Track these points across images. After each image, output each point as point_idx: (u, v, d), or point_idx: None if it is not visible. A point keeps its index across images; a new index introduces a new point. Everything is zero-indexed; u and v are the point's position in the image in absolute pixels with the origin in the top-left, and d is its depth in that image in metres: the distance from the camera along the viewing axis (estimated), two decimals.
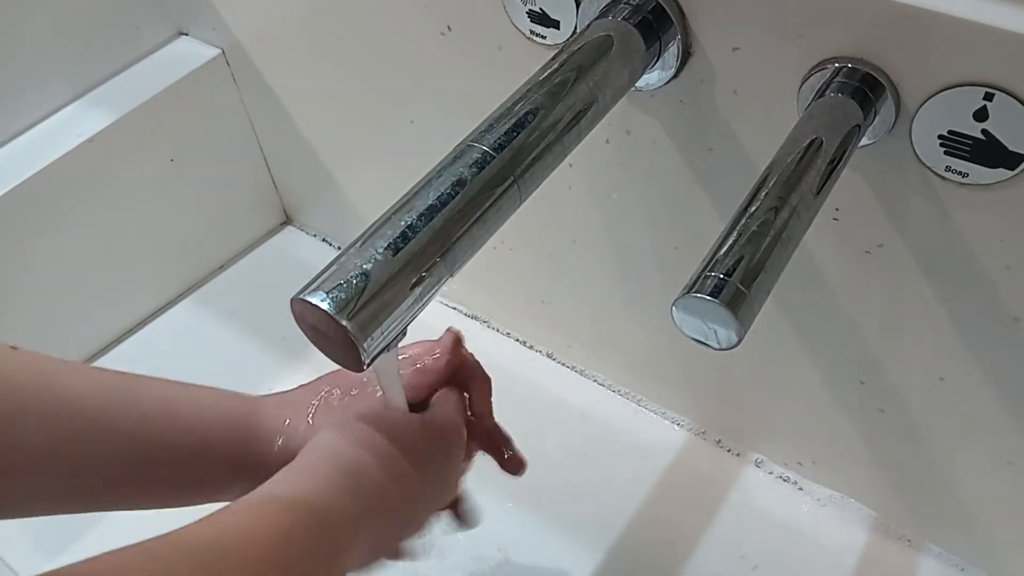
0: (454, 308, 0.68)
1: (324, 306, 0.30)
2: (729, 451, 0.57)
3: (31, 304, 0.61)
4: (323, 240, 0.75)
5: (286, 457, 0.37)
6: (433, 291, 0.33)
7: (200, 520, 0.29)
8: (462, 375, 0.42)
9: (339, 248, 0.74)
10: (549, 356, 0.64)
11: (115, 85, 0.63)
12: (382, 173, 0.65)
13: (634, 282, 0.54)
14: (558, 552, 0.54)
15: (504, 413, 0.61)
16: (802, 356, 0.48)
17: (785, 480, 0.55)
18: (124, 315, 0.68)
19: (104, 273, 0.65)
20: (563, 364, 0.63)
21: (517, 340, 0.65)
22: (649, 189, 0.47)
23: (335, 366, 0.32)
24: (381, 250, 0.31)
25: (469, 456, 0.44)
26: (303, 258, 0.74)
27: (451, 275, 0.34)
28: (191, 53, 0.65)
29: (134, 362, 0.66)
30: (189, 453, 0.37)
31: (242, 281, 0.72)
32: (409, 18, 0.51)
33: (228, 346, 0.67)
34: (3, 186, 0.57)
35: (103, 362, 0.67)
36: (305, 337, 0.31)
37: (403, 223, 0.32)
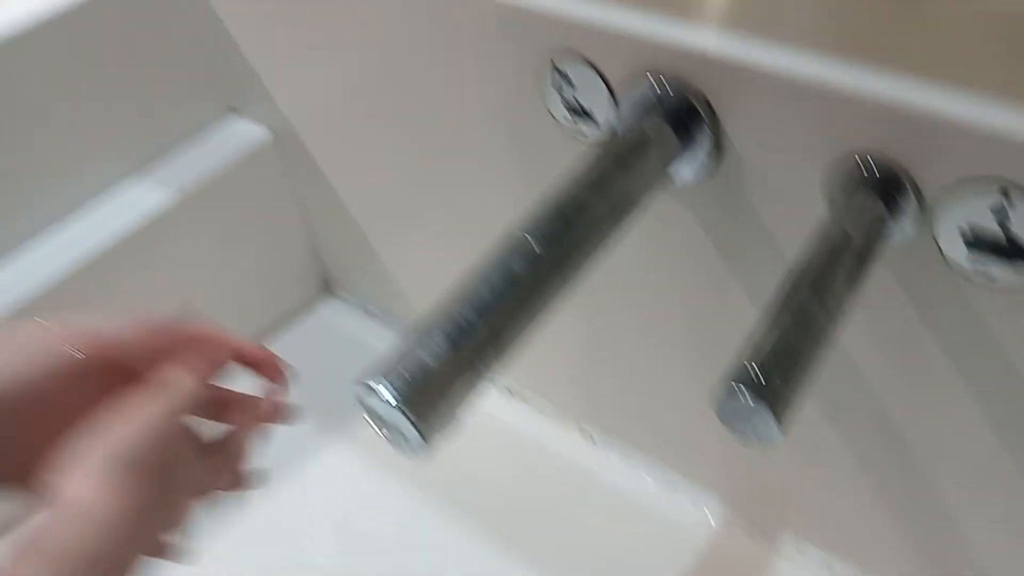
0: (493, 385, 0.69)
1: (387, 393, 0.32)
2: (762, 533, 0.58)
3: None
4: (363, 309, 0.78)
5: None
6: (485, 378, 0.35)
7: None
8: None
9: (378, 317, 0.76)
10: (582, 431, 0.65)
11: (168, 162, 0.66)
12: (422, 247, 0.68)
13: (667, 363, 0.55)
14: None
15: (536, 489, 0.62)
16: (835, 444, 0.49)
17: (819, 564, 0.56)
18: None
19: None
20: (596, 441, 0.65)
21: (550, 415, 0.67)
22: (681, 275, 0.49)
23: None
24: (440, 342, 0.34)
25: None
26: (343, 327, 0.77)
27: (501, 363, 0.36)
28: (241, 131, 0.68)
29: None
30: None
31: (285, 350, 0.74)
32: (455, 103, 0.54)
33: None
34: (62, 259, 0.59)
35: None
36: (351, 408, 0.31)
37: (459, 316, 0.34)
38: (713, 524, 0.58)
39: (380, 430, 0.34)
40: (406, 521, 0.62)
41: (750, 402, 0.30)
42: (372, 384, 0.32)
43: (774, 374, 0.31)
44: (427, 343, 0.34)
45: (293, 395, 0.70)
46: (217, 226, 0.68)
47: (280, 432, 0.67)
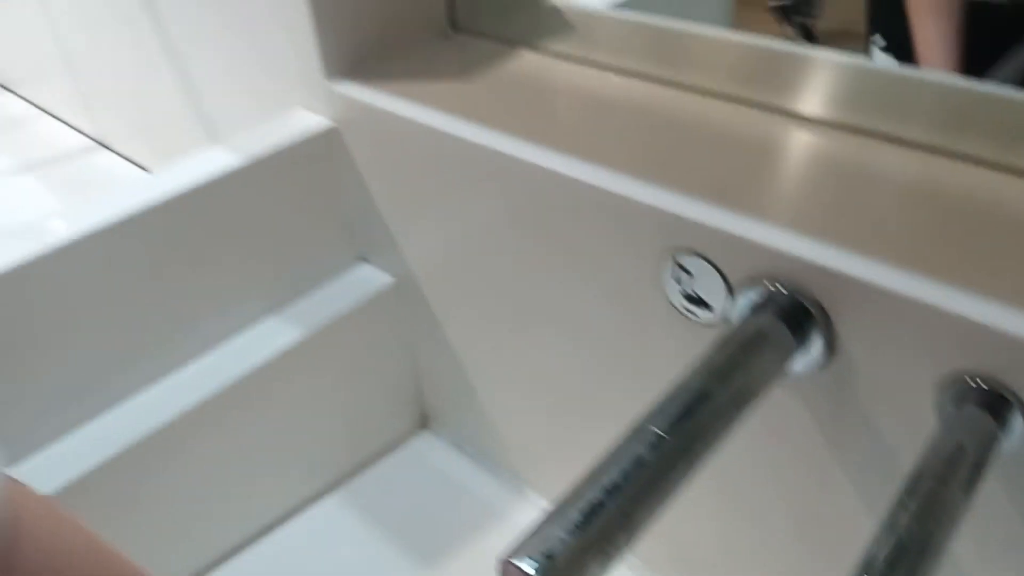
0: None
1: (530, 571, 0.35)
2: None
3: (207, 485, 0.68)
4: (456, 447, 0.81)
5: None
6: (617, 555, 0.38)
7: None
8: None
9: (470, 455, 0.80)
10: None
11: (302, 303, 0.73)
12: (518, 398, 0.72)
13: (766, 542, 0.57)
14: None
15: None
16: None
17: None
18: (276, 506, 0.75)
19: (263, 465, 0.72)
20: None
21: (642, 571, 0.68)
22: (787, 459, 0.52)
23: None
24: (575, 521, 0.37)
25: None
26: (436, 463, 0.80)
27: (630, 542, 0.39)
28: (367, 277, 0.75)
29: (271, 559, 0.72)
30: None
31: (381, 482, 0.79)
32: (570, 278, 0.59)
33: (363, 548, 0.72)
34: (203, 389, 0.66)
35: (251, 552, 0.72)
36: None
37: (592, 499, 0.38)
38: None
39: None
40: None
41: None
42: (515, 560, 0.36)
43: None
44: (563, 522, 0.37)
45: (387, 524, 0.74)
46: (337, 361, 0.73)
47: (371, 563, 0.71)
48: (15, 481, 0.34)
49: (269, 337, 0.70)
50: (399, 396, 0.81)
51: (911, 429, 0.43)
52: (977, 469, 0.39)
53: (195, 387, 0.66)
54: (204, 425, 0.66)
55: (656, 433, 0.40)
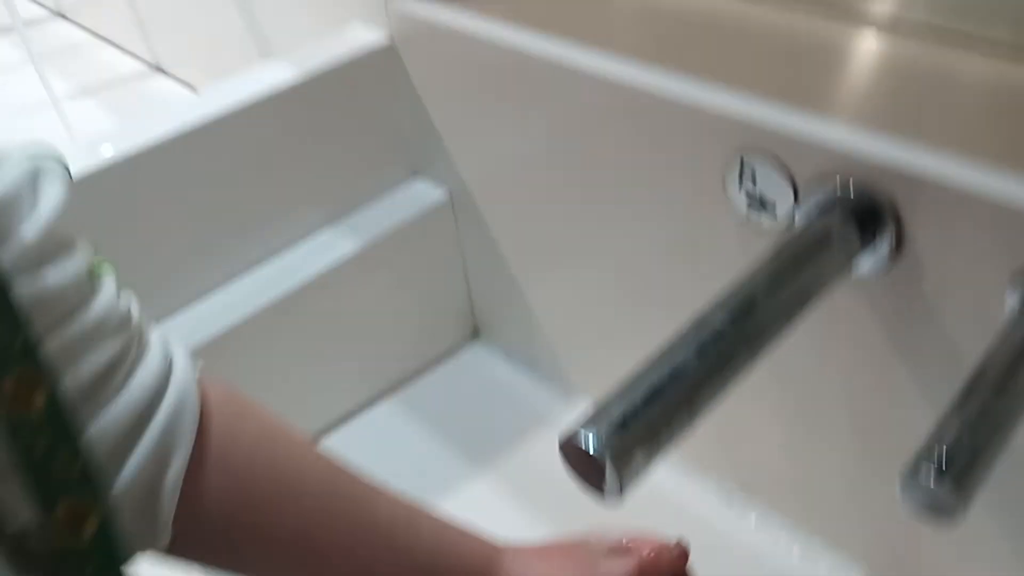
0: None
1: (593, 446, 0.36)
2: None
3: (270, 385, 0.71)
4: (506, 355, 0.83)
5: None
6: (679, 438, 0.39)
7: None
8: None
9: (521, 362, 0.81)
10: (720, 489, 0.68)
11: (359, 216, 0.74)
12: (572, 302, 0.72)
13: (824, 433, 0.57)
14: None
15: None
16: (994, 541, 0.50)
17: None
18: (335, 408, 0.77)
19: (327, 368, 0.75)
20: (733, 501, 0.67)
21: (691, 472, 0.69)
22: (850, 360, 0.52)
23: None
24: (639, 400, 0.38)
25: None
26: (488, 371, 0.82)
27: (692, 425, 0.39)
28: (422, 191, 0.76)
29: (341, 451, 0.74)
30: None
31: (435, 389, 0.81)
32: (630, 184, 0.59)
33: (417, 449, 0.75)
34: (264, 297, 0.68)
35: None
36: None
37: (657, 380, 0.39)
38: None
39: (577, 476, 0.38)
40: None
41: (932, 483, 0.33)
42: (581, 432, 0.37)
43: (957, 459, 0.34)
44: (628, 400, 0.38)
45: (441, 429, 0.76)
46: (392, 271, 0.75)
47: (424, 465, 0.74)
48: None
49: (327, 247, 0.71)
50: (452, 307, 0.82)
51: (979, 328, 0.43)
52: None
53: (256, 294, 0.68)
54: (265, 330, 0.68)
55: (719, 325, 0.40)
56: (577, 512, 0.66)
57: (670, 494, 0.68)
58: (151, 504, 0.33)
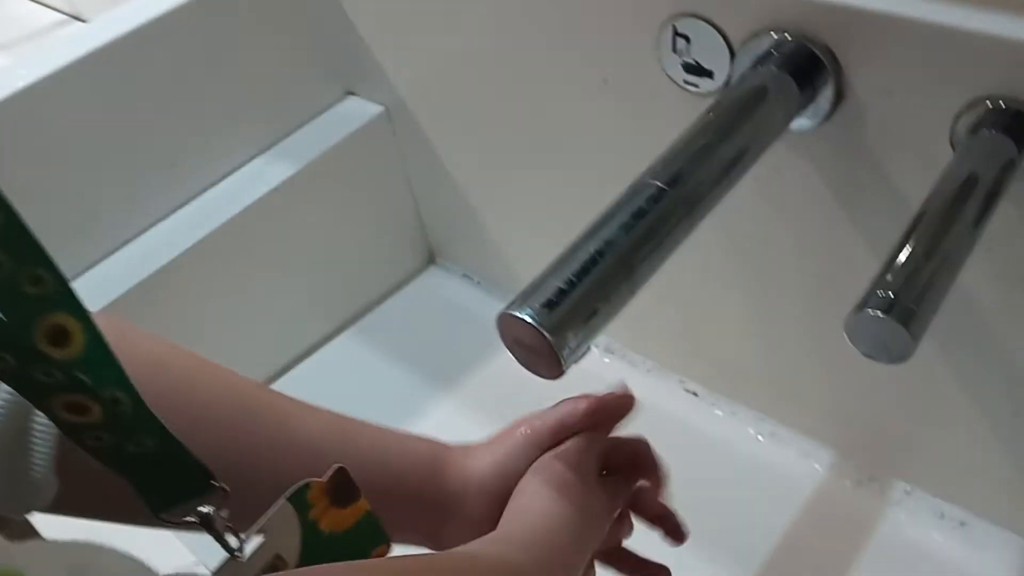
0: (594, 345, 0.71)
1: (528, 320, 0.34)
2: (874, 480, 0.58)
3: (217, 329, 0.69)
4: (464, 276, 0.81)
5: (467, 495, 0.41)
6: (618, 308, 0.37)
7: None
8: (642, 461, 0.46)
9: (480, 285, 0.80)
10: (684, 387, 0.67)
11: (294, 141, 0.71)
12: (525, 213, 0.70)
13: (782, 313, 0.56)
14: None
15: None
16: (954, 386, 0.50)
17: (931, 511, 0.56)
18: (292, 345, 0.75)
19: (278, 304, 0.72)
20: (699, 395, 0.66)
21: (655, 370, 0.68)
22: (799, 224, 0.50)
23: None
24: (574, 273, 0.36)
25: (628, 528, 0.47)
26: (447, 295, 0.80)
27: (633, 294, 0.38)
28: (358, 111, 0.73)
29: (298, 390, 0.72)
30: (383, 488, 0.41)
31: (394, 316, 0.79)
32: (566, 71, 0.56)
33: (382, 376, 0.73)
34: (205, 226, 0.65)
35: (277, 386, 0.73)
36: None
37: (591, 249, 0.37)
38: (822, 474, 0.59)
39: (517, 356, 0.37)
40: None
41: (880, 316, 0.32)
42: (513, 311, 0.35)
43: (905, 292, 0.32)
44: (562, 274, 0.36)
45: (404, 356, 0.75)
46: (335, 198, 0.72)
47: (391, 389, 0.72)
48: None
49: (262, 174, 0.68)
50: (403, 232, 0.80)
51: (925, 169, 0.41)
52: (992, 195, 0.37)
53: (193, 227, 0.65)
54: (205, 268, 0.65)
55: (657, 186, 0.38)
56: None
57: (636, 394, 0.67)
58: (16, 453, 0.29)
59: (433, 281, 0.82)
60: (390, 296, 0.80)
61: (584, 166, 0.61)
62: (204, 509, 0.31)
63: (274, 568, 0.32)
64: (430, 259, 0.83)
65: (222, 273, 0.67)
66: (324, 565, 0.28)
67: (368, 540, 0.29)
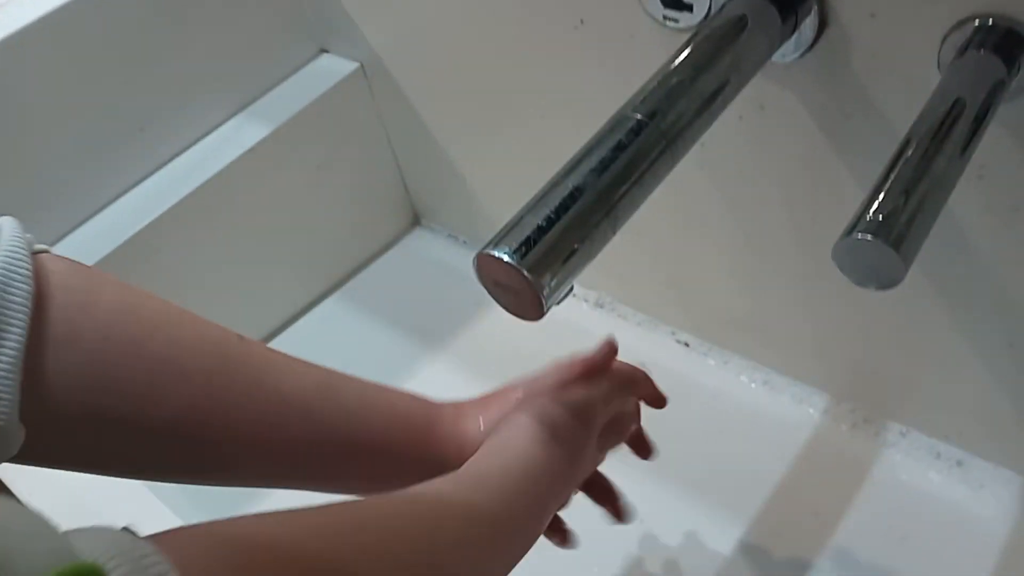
0: (581, 298, 0.70)
1: (507, 258, 0.33)
2: (869, 422, 0.57)
3: (198, 298, 0.67)
4: (450, 236, 0.80)
5: (460, 458, 0.40)
6: (599, 245, 0.36)
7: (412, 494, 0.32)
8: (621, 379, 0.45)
9: (466, 243, 0.78)
10: (676, 339, 0.66)
11: (268, 101, 0.69)
12: (509, 168, 0.69)
13: (768, 256, 0.55)
14: (700, 524, 0.55)
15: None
16: (947, 321, 0.49)
17: (927, 450, 0.55)
18: (279, 310, 0.74)
19: (262, 270, 0.71)
20: (691, 347, 0.65)
21: (646, 322, 0.67)
22: (785, 161, 0.49)
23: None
24: (553, 210, 0.35)
25: (611, 446, 0.46)
26: (433, 256, 0.79)
27: (614, 232, 0.36)
28: (332, 68, 0.71)
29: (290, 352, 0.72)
30: (372, 449, 0.40)
31: (380, 279, 0.78)
32: (543, 15, 0.54)
33: (370, 339, 0.72)
34: (178, 192, 0.63)
35: None
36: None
37: (570, 185, 0.35)
38: (816, 419, 0.59)
39: (496, 297, 0.36)
40: None
41: (870, 239, 0.30)
42: (490, 250, 0.34)
43: (894, 215, 0.31)
44: (541, 212, 0.35)
45: (392, 318, 0.73)
46: (311, 157, 0.70)
47: (380, 351, 0.71)
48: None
49: (234, 137, 0.67)
50: (386, 193, 0.78)
51: (913, 94, 0.40)
52: (981, 118, 0.36)
53: (165, 193, 0.63)
54: (181, 233, 0.64)
55: (637, 118, 0.37)
56: None
57: (628, 348, 0.66)
58: None
59: (419, 243, 0.80)
60: (376, 259, 0.79)
61: (566, 114, 0.59)
62: None
63: None
64: (415, 221, 0.82)
65: (199, 240, 0.65)
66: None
67: None
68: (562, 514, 0.45)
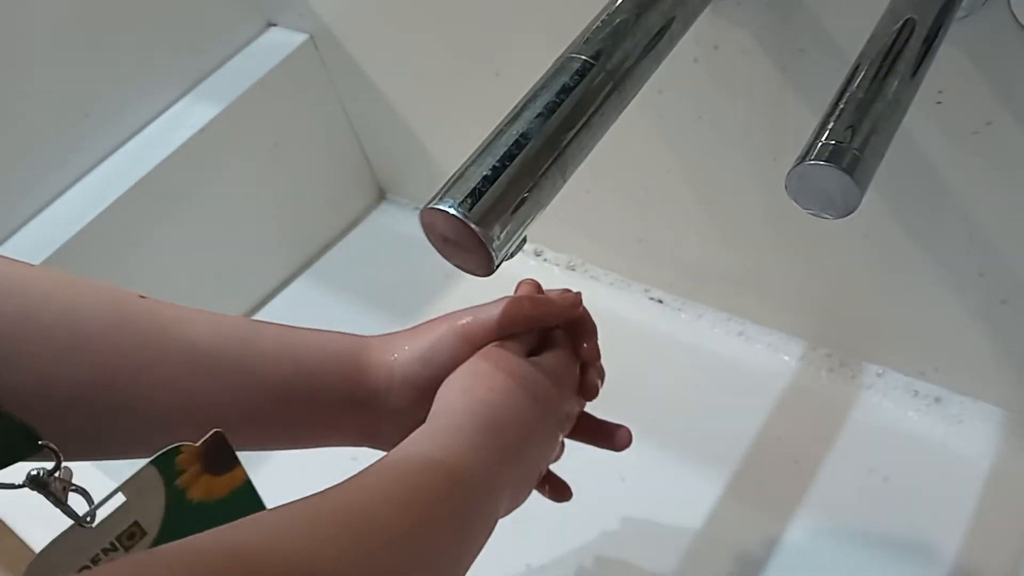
0: (552, 262, 0.69)
1: (452, 211, 0.32)
2: (845, 366, 0.57)
3: (159, 288, 0.66)
4: (417, 209, 0.78)
5: (392, 388, 0.39)
6: (549, 194, 0.34)
7: (343, 484, 0.30)
8: (574, 327, 0.44)
9: None
10: (649, 295, 0.65)
11: (217, 79, 0.67)
12: (470, 131, 0.67)
13: (733, 202, 0.54)
14: (682, 479, 0.55)
15: (613, 355, 0.62)
16: (915, 255, 0.48)
17: (904, 389, 0.55)
18: (247, 295, 0.72)
19: (225, 255, 0.70)
20: (665, 302, 0.64)
21: (618, 282, 0.66)
22: (743, 102, 0.48)
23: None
24: (499, 159, 0.33)
25: (578, 407, 0.45)
26: (401, 230, 0.77)
27: (564, 179, 0.35)
28: (281, 42, 0.69)
29: None
30: (304, 390, 0.38)
31: (348, 256, 0.76)
32: None
33: (342, 317, 0.71)
34: (130, 178, 0.61)
35: None
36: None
37: (516, 132, 0.34)
38: (793, 366, 0.58)
39: (446, 254, 0.34)
40: None
41: (823, 164, 0.29)
42: (435, 204, 0.33)
43: (847, 140, 0.30)
44: (486, 162, 0.34)
45: (364, 294, 0.72)
46: (267, 134, 0.69)
47: (348, 327, 0.69)
48: None
49: (184, 118, 0.65)
50: (349, 168, 0.77)
51: (866, 20, 0.39)
52: (929, 41, 0.34)
53: (117, 180, 0.61)
54: (136, 220, 0.62)
55: (582, 60, 0.36)
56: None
57: (601, 309, 0.65)
58: None
59: (385, 218, 0.79)
60: (344, 236, 0.78)
61: (522, 71, 0.57)
62: (35, 471, 0.28)
63: (131, 536, 0.29)
64: (380, 195, 0.80)
65: (156, 228, 0.64)
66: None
67: (244, 513, 0.26)
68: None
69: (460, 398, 0.37)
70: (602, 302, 0.66)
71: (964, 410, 0.53)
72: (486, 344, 0.40)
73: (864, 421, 0.55)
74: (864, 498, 0.51)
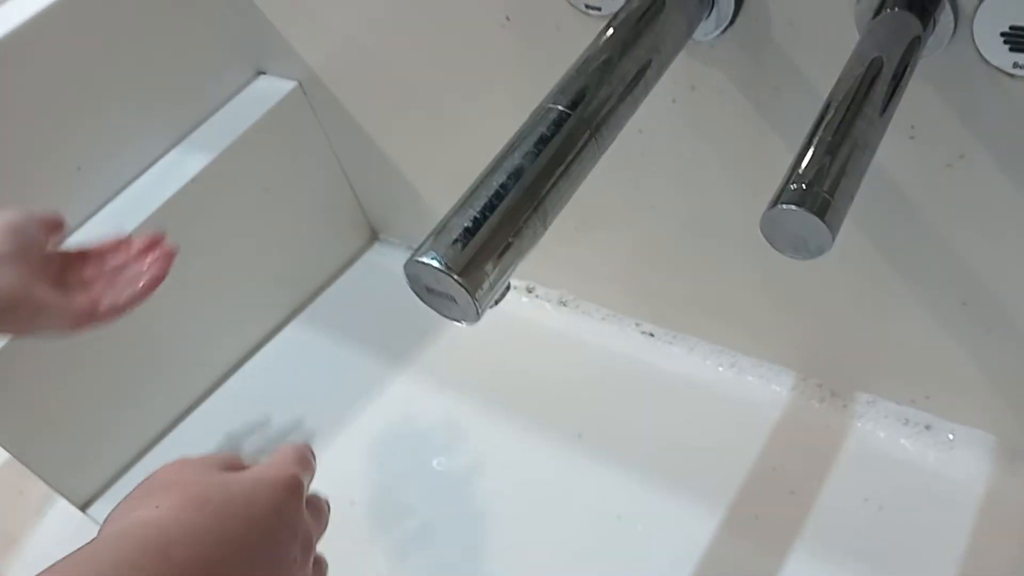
0: (544, 298, 0.70)
1: (435, 264, 0.33)
2: (836, 395, 0.57)
3: (154, 335, 0.66)
4: (410, 248, 0.79)
5: None
6: (531, 242, 0.35)
7: None
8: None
9: None
10: (640, 329, 0.65)
11: (208, 127, 0.68)
12: (460, 172, 0.68)
13: (718, 237, 0.55)
14: (678, 515, 0.55)
15: (606, 391, 0.63)
16: (900, 287, 0.48)
17: (896, 417, 0.55)
18: (243, 339, 0.73)
19: (220, 301, 0.70)
20: (656, 336, 0.65)
21: (610, 317, 0.67)
22: (721, 140, 0.49)
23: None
24: (479, 210, 0.34)
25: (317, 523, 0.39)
26: (395, 269, 0.78)
27: (545, 227, 0.36)
28: (271, 89, 0.70)
29: (257, 381, 0.71)
30: None
31: (342, 298, 0.77)
32: (468, 14, 0.54)
33: (338, 359, 0.71)
34: (122, 230, 0.62)
35: (229, 385, 0.71)
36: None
37: (495, 184, 0.35)
38: (785, 397, 0.58)
39: (432, 305, 0.35)
40: (479, 441, 0.63)
41: (793, 208, 0.30)
42: (418, 257, 0.33)
43: (817, 183, 0.31)
44: (467, 213, 0.34)
45: (359, 336, 0.72)
46: (259, 180, 0.69)
47: (350, 371, 0.70)
48: None
49: (177, 167, 0.66)
50: (341, 210, 0.78)
51: (837, 60, 0.40)
52: (898, 79, 0.35)
53: (113, 228, 0.62)
54: None
55: (558, 109, 0.37)
56: (506, 388, 0.64)
57: (594, 344, 0.66)
58: None
59: (379, 258, 0.80)
60: (338, 277, 0.78)
61: (504, 112, 0.59)
62: None
63: None
64: (373, 236, 0.81)
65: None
66: None
67: None
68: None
69: (118, 519, 0.32)
70: (594, 337, 0.67)
71: (955, 437, 0.53)
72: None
73: (857, 451, 0.55)
74: (860, 529, 0.51)
